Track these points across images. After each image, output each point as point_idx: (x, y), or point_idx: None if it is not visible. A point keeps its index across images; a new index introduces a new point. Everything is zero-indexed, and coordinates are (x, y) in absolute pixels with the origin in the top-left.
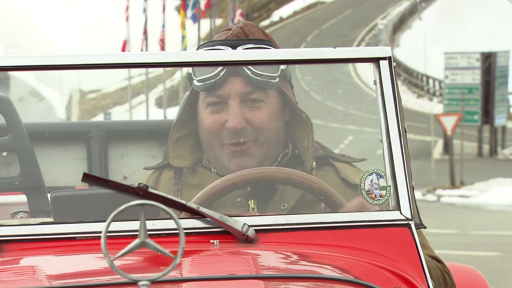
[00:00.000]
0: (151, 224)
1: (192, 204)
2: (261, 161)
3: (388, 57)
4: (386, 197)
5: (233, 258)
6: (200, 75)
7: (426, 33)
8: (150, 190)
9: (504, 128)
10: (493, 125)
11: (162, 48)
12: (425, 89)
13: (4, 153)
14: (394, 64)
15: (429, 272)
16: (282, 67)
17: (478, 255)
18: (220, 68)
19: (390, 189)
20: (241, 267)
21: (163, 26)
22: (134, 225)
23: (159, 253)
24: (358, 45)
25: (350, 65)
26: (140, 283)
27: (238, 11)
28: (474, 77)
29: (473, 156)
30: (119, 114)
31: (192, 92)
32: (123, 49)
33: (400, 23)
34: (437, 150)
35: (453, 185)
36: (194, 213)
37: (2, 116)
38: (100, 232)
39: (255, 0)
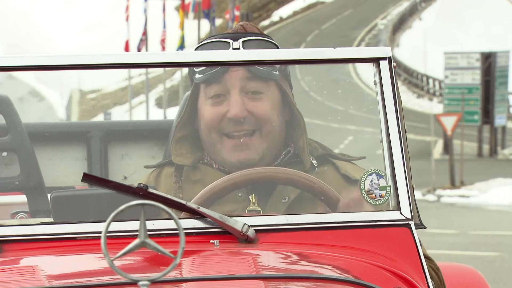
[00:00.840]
0: (151, 224)
1: (192, 204)
2: (263, 154)
3: (388, 57)
4: (386, 197)
5: (233, 258)
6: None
7: (426, 33)
8: (150, 190)
9: (504, 128)
10: (493, 125)
11: (164, 49)
12: (425, 89)
13: (4, 153)
14: (394, 64)
15: None
16: (282, 67)
17: (478, 255)
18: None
19: (390, 189)
20: (241, 267)
21: (164, 27)
22: (134, 225)
23: (159, 253)
24: (358, 45)
25: (350, 65)
26: (140, 283)
27: (236, 12)
28: (474, 77)
29: (473, 156)
30: (119, 114)
31: (194, 89)
32: (126, 49)
33: (400, 23)
34: (437, 150)
35: (453, 185)
36: (194, 213)
37: (2, 116)
38: (100, 232)
39: (255, 0)
